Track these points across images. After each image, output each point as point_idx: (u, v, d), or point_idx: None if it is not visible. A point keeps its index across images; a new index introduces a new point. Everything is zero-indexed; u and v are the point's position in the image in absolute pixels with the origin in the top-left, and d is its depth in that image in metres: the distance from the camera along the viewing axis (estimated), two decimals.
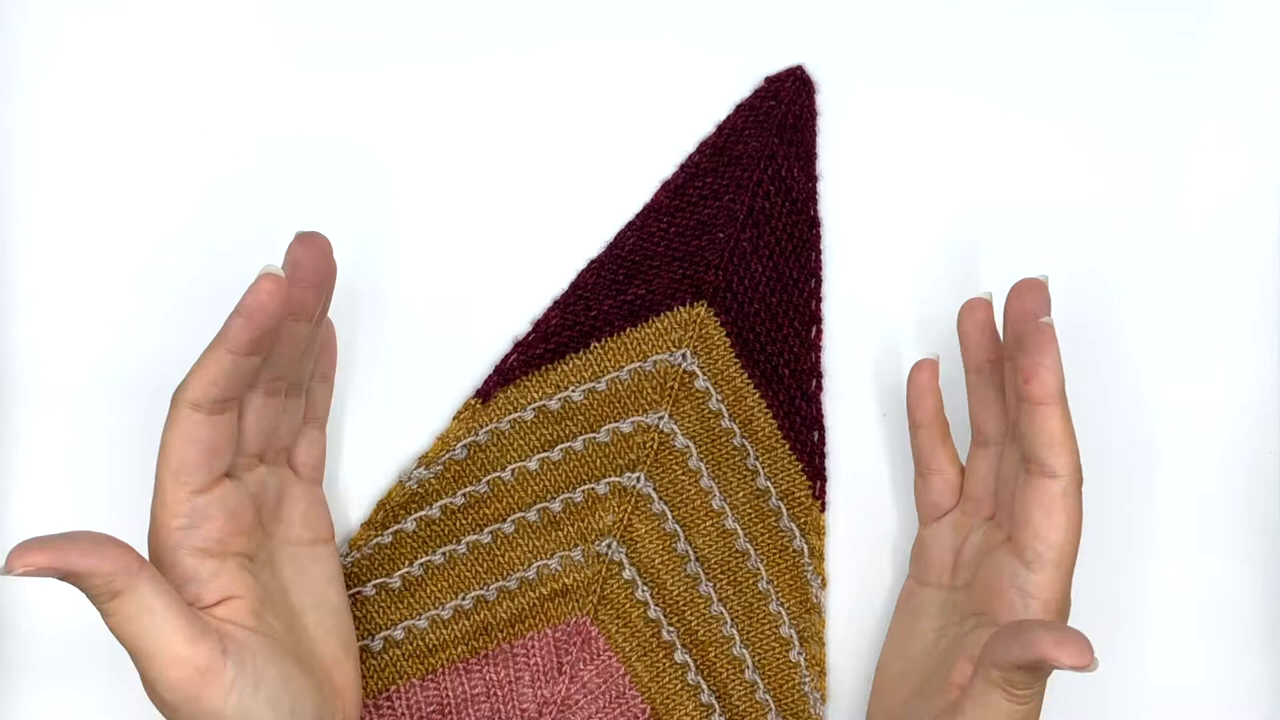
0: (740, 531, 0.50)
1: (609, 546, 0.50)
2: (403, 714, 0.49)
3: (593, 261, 0.51)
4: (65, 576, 0.37)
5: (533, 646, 0.49)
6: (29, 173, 0.51)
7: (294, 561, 0.45)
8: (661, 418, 0.50)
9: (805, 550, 0.51)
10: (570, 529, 0.50)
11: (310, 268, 0.41)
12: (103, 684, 0.50)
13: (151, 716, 0.50)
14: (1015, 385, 0.43)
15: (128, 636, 0.39)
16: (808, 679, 0.50)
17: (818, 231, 0.52)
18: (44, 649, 0.51)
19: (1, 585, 0.50)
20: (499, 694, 0.49)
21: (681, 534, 0.50)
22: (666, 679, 0.50)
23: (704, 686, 0.50)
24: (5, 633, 0.51)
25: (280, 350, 0.42)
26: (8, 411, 0.51)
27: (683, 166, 0.52)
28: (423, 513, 0.50)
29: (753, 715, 0.50)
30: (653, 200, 0.52)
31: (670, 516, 0.50)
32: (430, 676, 0.49)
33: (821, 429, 0.51)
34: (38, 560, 0.37)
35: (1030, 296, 0.43)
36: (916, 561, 0.49)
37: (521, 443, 0.50)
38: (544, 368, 0.51)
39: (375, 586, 0.49)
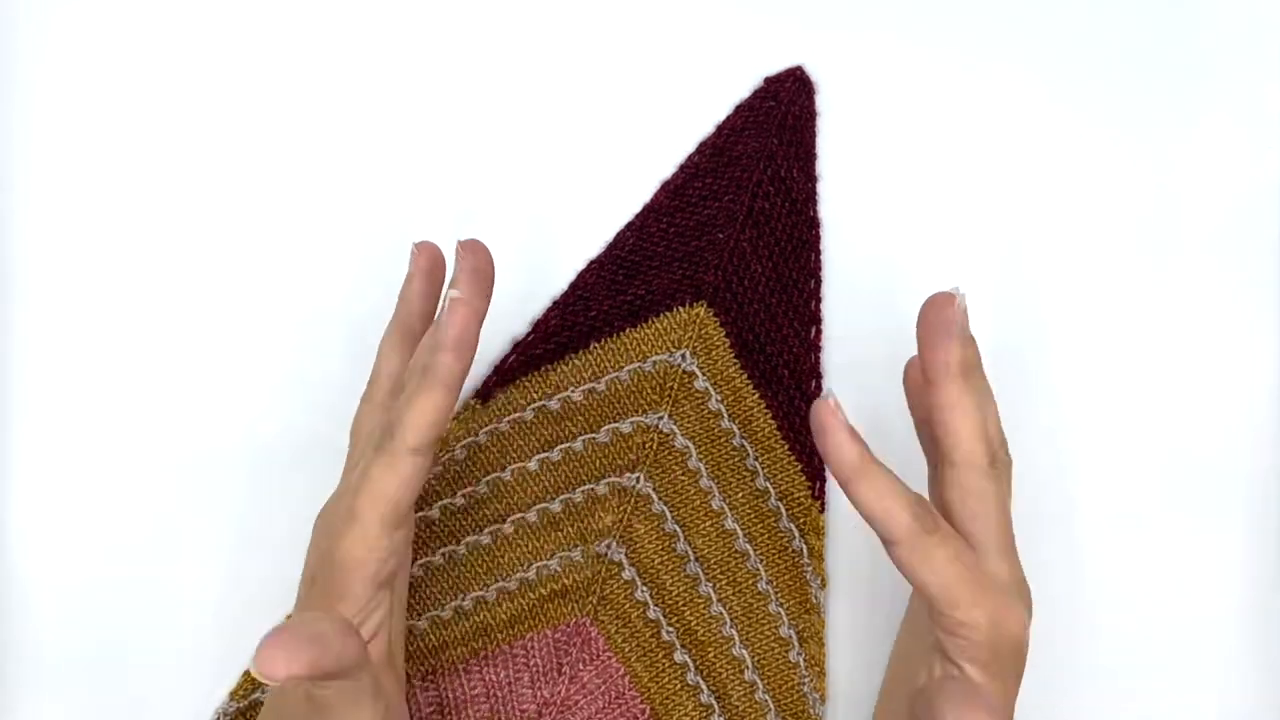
0: (740, 532, 0.50)
1: (608, 547, 0.50)
2: None
3: (592, 262, 0.51)
4: (320, 679, 0.35)
5: (532, 647, 0.49)
6: (28, 172, 0.51)
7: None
8: (661, 418, 0.50)
9: (804, 550, 0.51)
10: (570, 529, 0.50)
11: (485, 274, 0.40)
12: (103, 687, 0.50)
13: (148, 714, 0.50)
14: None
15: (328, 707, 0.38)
16: (807, 679, 0.50)
17: (817, 232, 0.52)
18: (45, 653, 0.51)
19: (3, 582, 0.50)
20: (498, 695, 0.49)
21: (681, 534, 0.50)
22: (666, 679, 0.50)
23: (703, 687, 0.50)
24: (6, 633, 0.51)
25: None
26: (7, 410, 0.51)
27: (682, 167, 0.52)
28: (422, 513, 0.50)
29: (752, 715, 0.50)
30: (652, 200, 0.52)
31: (670, 517, 0.50)
32: (430, 677, 0.49)
33: None
34: (295, 670, 0.34)
35: (934, 319, 0.40)
36: None
37: (521, 443, 0.50)
38: (543, 368, 0.51)
39: None
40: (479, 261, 0.40)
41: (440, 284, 0.45)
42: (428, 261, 0.45)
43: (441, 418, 0.39)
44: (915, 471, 0.52)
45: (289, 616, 0.40)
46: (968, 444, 0.40)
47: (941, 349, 0.39)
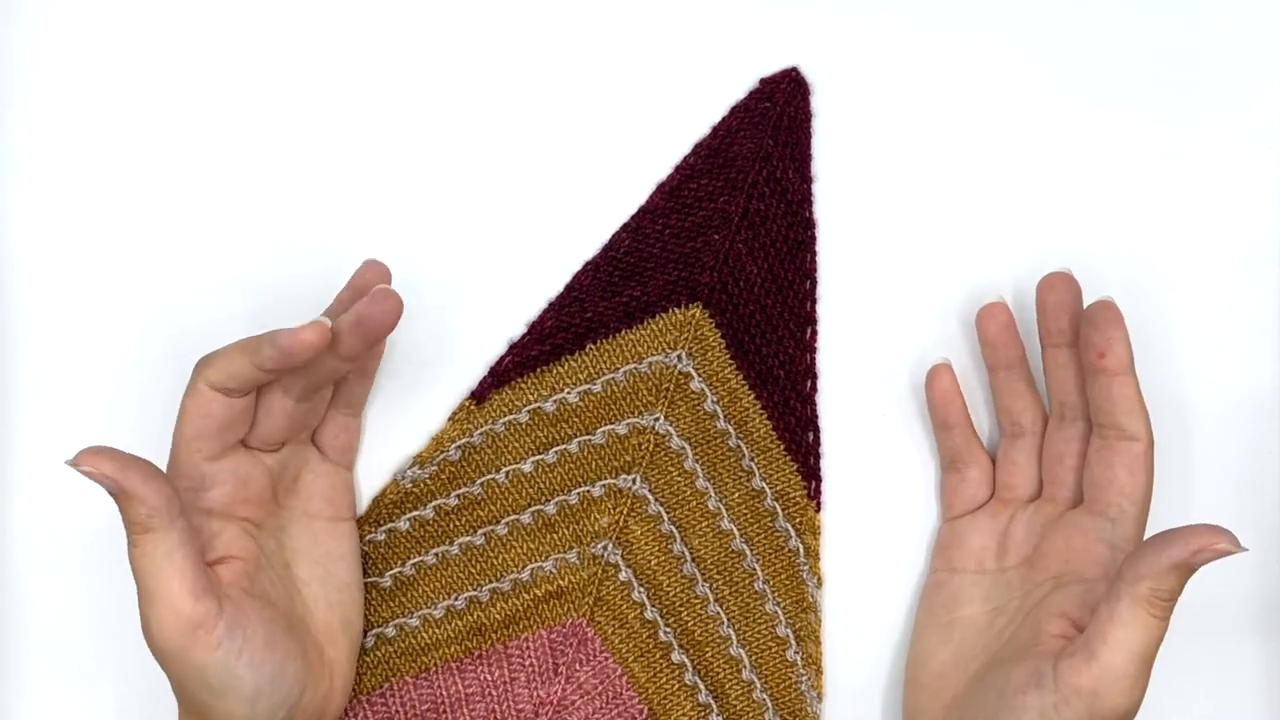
0: (736, 532, 0.50)
1: (604, 548, 0.50)
2: (396, 711, 0.49)
3: (588, 263, 0.51)
4: (118, 493, 0.41)
5: (527, 648, 0.49)
6: (29, 174, 0.51)
7: (308, 534, 0.47)
8: (657, 419, 0.50)
9: (801, 550, 0.51)
10: (565, 531, 0.50)
11: (370, 328, 0.43)
12: (103, 682, 0.50)
13: (149, 711, 0.50)
14: (1089, 361, 0.46)
15: (142, 572, 0.41)
16: (804, 678, 0.50)
17: (813, 233, 0.52)
18: (45, 644, 0.51)
19: (2, 584, 0.51)
20: (494, 694, 0.49)
21: (678, 535, 0.50)
22: (663, 679, 0.50)
23: (701, 686, 0.50)
24: (6, 631, 0.51)
25: (311, 370, 0.44)
26: (7, 411, 0.51)
27: (678, 168, 0.52)
28: (416, 513, 0.50)
29: (750, 714, 0.50)
30: (648, 202, 0.52)
31: (666, 518, 0.50)
32: (424, 675, 0.49)
33: (816, 429, 0.51)
34: (104, 468, 0.40)
35: (1064, 285, 0.48)
36: (946, 553, 0.50)
37: (516, 444, 0.50)
38: (539, 369, 0.51)
39: (367, 584, 0.49)
40: (369, 313, 0.43)
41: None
42: (365, 281, 0.47)
43: (239, 375, 0.42)
44: (913, 470, 0.52)
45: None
46: (1149, 424, 0.46)
47: (1119, 330, 0.45)
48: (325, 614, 0.47)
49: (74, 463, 0.40)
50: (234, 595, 0.43)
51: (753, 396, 0.51)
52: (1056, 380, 0.48)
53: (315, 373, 0.44)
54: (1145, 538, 0.46)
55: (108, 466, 0.40)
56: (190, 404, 0.43)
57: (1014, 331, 0.49)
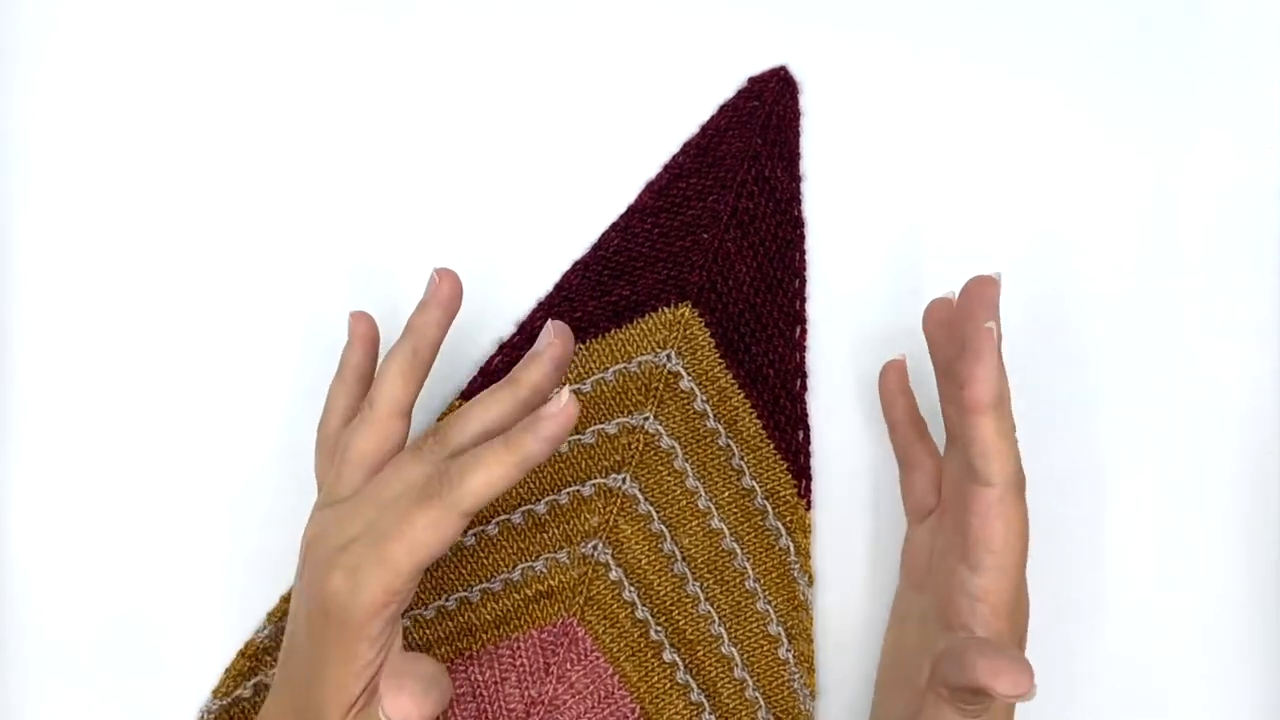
0: (726, 531, 0.50)
1: (595, 548, 0.50)
2: None
3: (577, 263, 0.51)
4: None
5: (518, 648, 0.49)
6: (29, 175, 0.51)
7: None
8: (646, 418, 0.50)
9: (791, 548, 0.51)
10: (555, 531, 0.50)
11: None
12: (105, 682, 0.50)
13: (150, 712, 0.50)
14: (951, 390, 0.43)
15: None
16: (796, 676, 0.50)
17: (802, 232, 0.52)
18: (45, 644, 0.51)
19: (2, 584, 0.51)
20: (485, 694, 0.49)
21: (668, 534, 0.50)
22: (655, 678, 0.50)
23: (693, 685, 0.50)
24: (6, 631, 0.51)
25: None
26: (7, 411, 0.51)
27: (667, 167, 0.52)
28: None
29: (742, 713, 0.50)
30: (637, 201, 0.52)
31: (656, 517, 0.50)
32: None
33: (806, 428, 0.51)
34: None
35: (976, 296, 0.42)
36: (904, 563, 0.49)
37: None
38: None
39: None
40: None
41: (376, 348, 0.47)
42: (365, 329, 0.46)
43: (505, 487, 0.39)
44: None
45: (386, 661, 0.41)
46: (1012, 465, 0.42)
47: (984, 365, 0.41)
48: None
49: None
50: None
51: (742, 395, 0.51)
52: (944, 403, 0.46)
53: None
54: (1011, 599, 0.43)
55: (426, 710, 0.41)
56: (440, 541, 0.39)
57: (952, 330, 0.45)
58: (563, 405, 0.39)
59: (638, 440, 0.50)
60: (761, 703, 0.50)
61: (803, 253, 0.52)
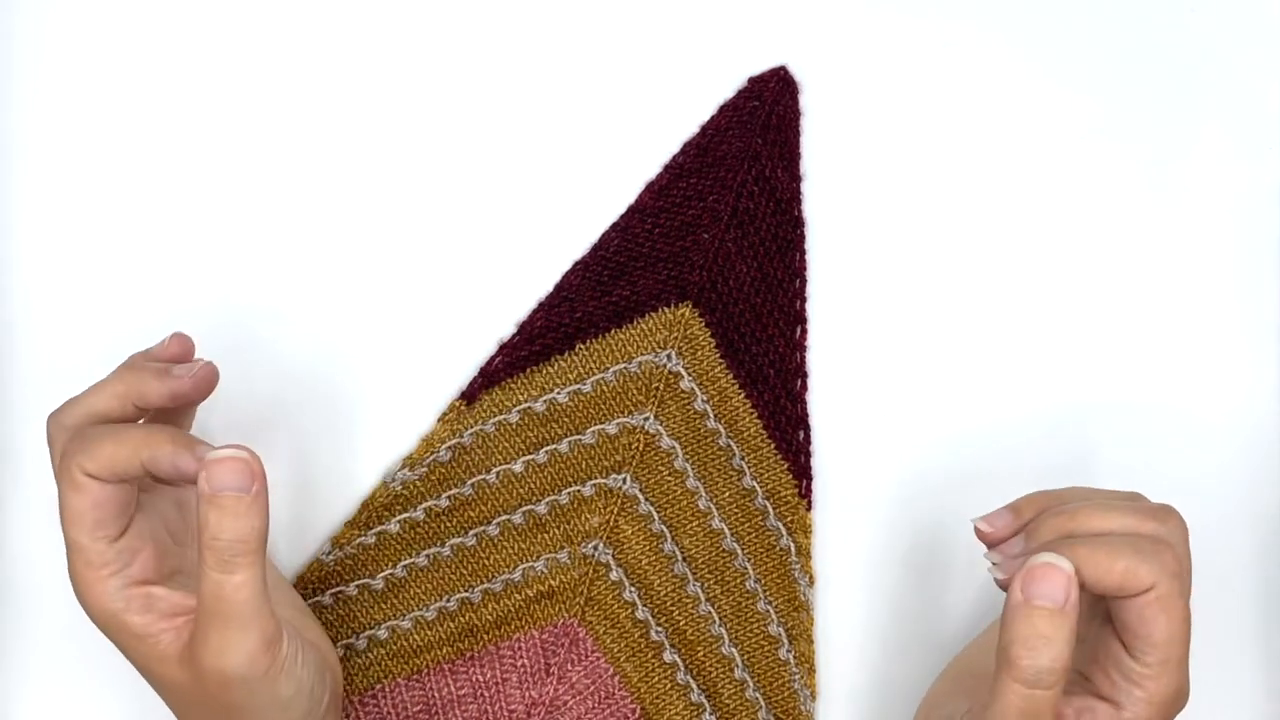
0: (727, 531, 0.50)
1: (595, 548, 0.50)
2: (389, 713, 0.49)
3: (577, 263, 0.51)
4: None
5: (519, 648, 0.49)
6: (29, 175, 0.51)
7: None
8: (647, 419, 0.50)
9: (792, 548, 0.51)
10: (556, 531, 0.50)
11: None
12: (105, 681, 0.50)
13: (149, 711, 0.50)
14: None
15: (237, 604, 0.40)
16: (797, 676, 0.50)
17: (802, 231, 0.52)
18: (45, 644, 0.51)
19: (3, 581, 0.51)
20: (486, 695, 0.49)
21: (668, 534, 0.50)
22: (656, 679, 0.50)
23: (693, 686, 0.50)
24: (6, 632, 0.51)
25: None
26: (8, 411, 0.51)
27: (667, 167, 0.52)
28: (406, 514, 0.50)
29: (743, 713, 0.50)
30: (637, 201, 0.52)
31: (657, 517, 0.50)
32: (416, 676, 0.49)
33: (807, 428, 0.51)
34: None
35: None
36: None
37: (506, 445, 0.50)
38: (529, 370, 0.51)
39: (358, 587, 0.49)
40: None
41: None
42: (174, 354, 0.46)
43: (121, 466, 0.41)
44: (904, 468, 0.52)
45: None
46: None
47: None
48: (305, 620, 0.47)
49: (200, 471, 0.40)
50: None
51: (743, 395, 0.51)
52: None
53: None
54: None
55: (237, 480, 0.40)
56: (77, 500, 0.41)
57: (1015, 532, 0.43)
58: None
59: (638, 440, 0.50)
60: (762, 703, 0.50)
61: (803, 253, 0.52)
